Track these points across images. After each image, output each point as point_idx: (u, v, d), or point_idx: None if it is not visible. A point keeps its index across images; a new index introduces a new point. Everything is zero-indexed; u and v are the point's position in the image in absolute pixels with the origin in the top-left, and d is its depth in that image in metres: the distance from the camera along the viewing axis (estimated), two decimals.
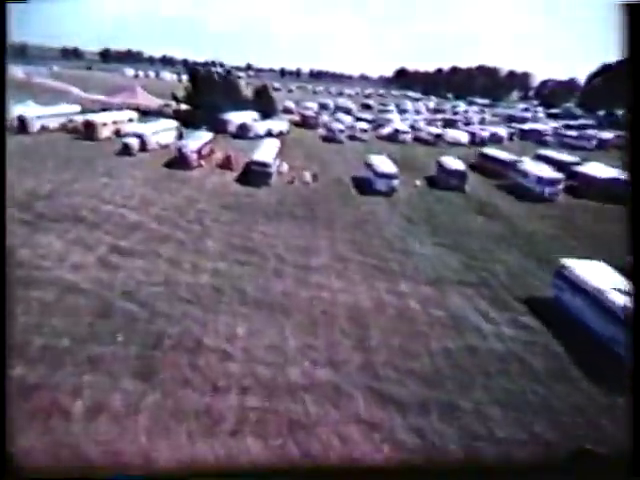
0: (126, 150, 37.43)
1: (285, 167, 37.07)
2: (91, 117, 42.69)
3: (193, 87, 60.00)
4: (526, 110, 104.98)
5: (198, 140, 37.20)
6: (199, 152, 36.05)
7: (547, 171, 35.51)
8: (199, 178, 33.25)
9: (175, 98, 61.31)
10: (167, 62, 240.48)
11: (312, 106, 78.11)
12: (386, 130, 58.23)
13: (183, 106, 57.28)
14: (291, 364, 13.89)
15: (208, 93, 55.47)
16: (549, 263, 21.28)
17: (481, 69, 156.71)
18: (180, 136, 45.06)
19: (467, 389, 13.53)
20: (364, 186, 34.22)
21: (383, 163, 34.50)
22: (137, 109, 59.12)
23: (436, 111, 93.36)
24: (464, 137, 56.91)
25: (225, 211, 27.00)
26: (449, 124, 71.67)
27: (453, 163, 36.30)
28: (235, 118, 53.22)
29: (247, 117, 54.92)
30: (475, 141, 56.76)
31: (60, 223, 22.57)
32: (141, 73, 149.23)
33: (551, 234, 27.93)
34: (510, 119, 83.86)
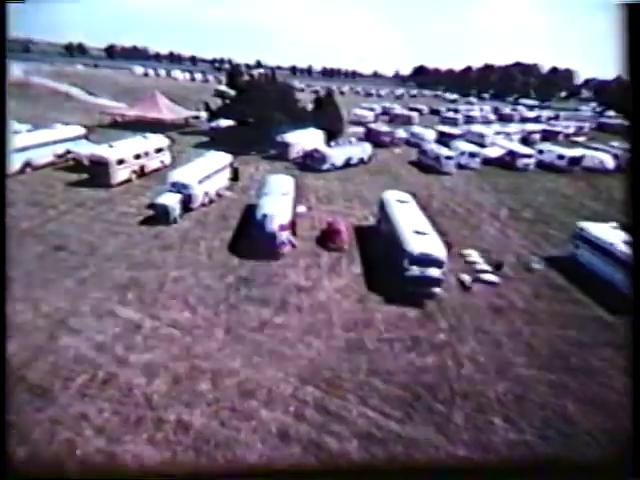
0: (162, 216, 21.34)
1: None
2: (101, 151, 26.37)
3: (235, 95, 43.66)
4: (600, 115, 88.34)
5: (282, 201, 20.89)
6: (292, 225, 20.01)
7: None
8: (306, 288, 17.13)
9: (209, 109, 44.91)
10: (174, 59, 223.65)
11: (367, 114, 61.43)
12: (494, 152, 41.95)
13: (223, 122, 40.86)
14: None
15: (256, 103, 39.05)
16: None
17: (519, 66, 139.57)
18: (235, 176, 28.87)
19: None
20: (603, 291, 18.13)
21: None
22: (159, 123, 42.98)
23: (500, 118, 76.78)
24: (609, 160, 40.56)
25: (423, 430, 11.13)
26: (548, 138, 55.38)
27: None
28: (297, 140, 36.93)
29: (313, 138, 38.58)
30: (622, 165, 40.59)
31: None
32: (151, 71, 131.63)
33: None
34: (601, 127, 67.39)
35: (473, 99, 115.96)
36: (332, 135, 42.14)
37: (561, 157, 40.81)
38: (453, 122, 65.47)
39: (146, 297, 15.31)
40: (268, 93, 39.83)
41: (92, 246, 18.54)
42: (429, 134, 47.85)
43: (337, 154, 34.99)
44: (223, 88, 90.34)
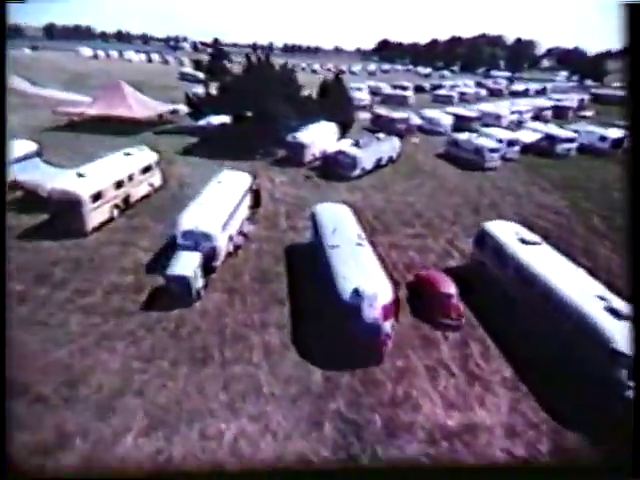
0: (180, 291, 13.25)
1: None
2: (69, 184, 16.99)
3: (225, 83, 34.35)
4: (581, 84, 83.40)
5: (366, 259, 12.99)
6: (396, 303, 12.50)
7: None
8: (459, 432, 9.55)
9: (190, 103, 35.44)
10: (123, 38, 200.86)
11: (365, 97, 52.89)
12: (527, 137, 35.22)
13: (214, 119, 31.64)
14: None
15: (253, 93, 30.17)
16: None
17: (485, 38, 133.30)
18: (257, 201, 20.55)
19: None
20: None
21: None
22: (128, 122, 33.39)
23: (490, 93, 70.06)
24: None
25: None
26: (559, 115, 49.46)
27: None
28: (312, 139, 28.64)
29: (328, 135, 30.44)
30: None
31: None
32: (101, 53, 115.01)
33: None
34: (597, 99, 62.20)
35: (447, 73, 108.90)
36: (343, 128, 34.07)
37: (603, 139, 34.62)
38: (448, 101, 58.33)
39: None
40: (267, 80, 30.94)
41: (71, 385, 10.33)
42: (446, 119, 40.52)
43: (367, 155, 26.98)
44: (188, 70, 79.39)
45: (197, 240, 14.39)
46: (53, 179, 17.80)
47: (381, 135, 29.95)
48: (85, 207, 16.46)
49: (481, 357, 11.92)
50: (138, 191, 19.74)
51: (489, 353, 12.16)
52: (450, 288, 13.79)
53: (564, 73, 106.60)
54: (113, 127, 32.34)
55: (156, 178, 21.32)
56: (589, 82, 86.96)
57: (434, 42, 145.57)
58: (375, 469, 8.90)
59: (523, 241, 14.39)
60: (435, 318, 13.33)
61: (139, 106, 34.56)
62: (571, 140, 34.10)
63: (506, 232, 15.19)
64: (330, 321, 12.18)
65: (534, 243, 14.28)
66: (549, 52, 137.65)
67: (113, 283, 14.17)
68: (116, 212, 18.30)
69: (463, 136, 32.31)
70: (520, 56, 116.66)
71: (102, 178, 17.50)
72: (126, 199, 18.84)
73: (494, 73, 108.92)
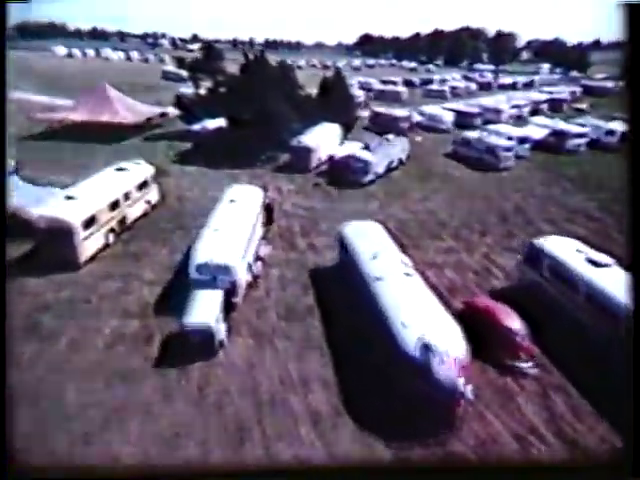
0: (202, 343, 10.68)
1: None
2: (57, 209, 14.14)
3: (216, 81, 31.44)
4: (568, 77, 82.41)
5: (421, 294, 10.70)
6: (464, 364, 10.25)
7: None
8: None
9: (180, 104, 32.45)
10: (98, 36, 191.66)
11: (359, 94, 50.32)
12: (535, 133, 33.36)
13: (210, 122, 28.77)
14: None
15: (250, 94, 27.52)
16: None
17: (467, 31, 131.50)
18: (270, 218, 18.00)
19: None
20: None
21: None
22: (115, 129, 30.26)
23: (480, 87, 68.32)
24: None
25: None
26: (554, 108, 47.92)
27: None
28: (317, 142, 26.15)
29: (332, 137, 27.96)
30: None
31: None
32: (76, 52, 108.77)
33: None
34: (586, 90, 60.99)
35: (432, 67, 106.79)
36: (346, 129, 31.62)
37: (610, 133, 33.00)
38: (441, 96, 56.37)
39: None
40: (266, 79, 28.21)
41: None
42: (447, 115, 38.44)
43: (379, 159, 24.61)
44: (171, 68, 75.24)
45: (214, 274, 11.91)
46: (37, 201, 15.00)
47: (390, 136, 27.62)
48: (77, 235, 13.71)
49: (572, 414, 9.81)
50: (135, 211, 17.01)
51: (579, 407, 10.07)
52: (514, 322, 11.59)
53: (547, 65, 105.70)
54: (98, 134, 29.14)
55: (153, 194, 18.55)
56: (574, 74, 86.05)
57: (417, 36, 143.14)
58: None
59: (592, 262, 12.36)
60: (500, 360, 11.21)
61: (126, 110, 31.33)
62: (581, 135, 32.38)
63: (566, 250, 13.12)
64: (383, 374, 9.97)
65: (605, 265, 12.26)
66: (529, 44, 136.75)
67: (116, 331, 11.57)
68: (112, 237, 15.57)
69: (473, 134, 30.23)
70: (502, 49, 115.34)
71: (94, 199, 14.72)
72: (122, 221, 16.10)
73: (478, 66, 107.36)
